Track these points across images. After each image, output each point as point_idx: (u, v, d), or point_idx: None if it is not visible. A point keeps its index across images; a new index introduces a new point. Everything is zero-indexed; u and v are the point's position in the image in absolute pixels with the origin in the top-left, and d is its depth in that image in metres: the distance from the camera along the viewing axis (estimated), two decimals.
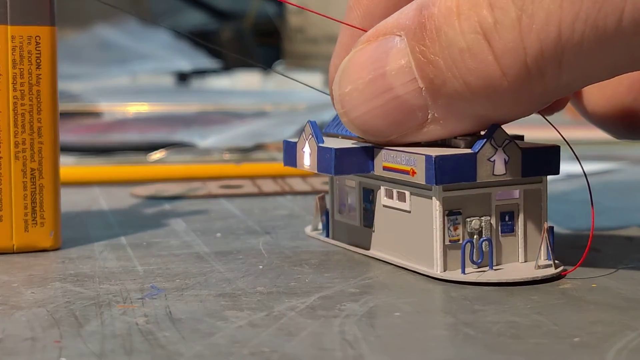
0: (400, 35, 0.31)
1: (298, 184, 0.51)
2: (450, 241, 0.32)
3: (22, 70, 0.35)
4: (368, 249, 0.35)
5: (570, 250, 0.36)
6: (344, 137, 0.35)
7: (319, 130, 0.34)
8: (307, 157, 0.34)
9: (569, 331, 0.26)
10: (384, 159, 0.33)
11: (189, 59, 1.04)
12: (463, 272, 0.31)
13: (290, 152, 0.35)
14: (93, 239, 0.38)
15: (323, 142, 0.34)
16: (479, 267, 0.32)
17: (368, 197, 0.35)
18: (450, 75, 0.29)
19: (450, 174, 0.31)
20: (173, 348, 0.25)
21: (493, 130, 0.31)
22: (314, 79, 0.92)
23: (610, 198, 0.47)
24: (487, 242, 0.32)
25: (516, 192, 0.32)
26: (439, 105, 0.30)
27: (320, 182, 0.51)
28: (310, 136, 0.34)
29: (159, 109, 0.79)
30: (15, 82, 0.35)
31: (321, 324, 0.27)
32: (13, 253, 0.36)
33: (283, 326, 0.27)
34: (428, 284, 0.31)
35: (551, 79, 0.29)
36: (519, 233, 0.33)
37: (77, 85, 0.90)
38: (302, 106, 0.78)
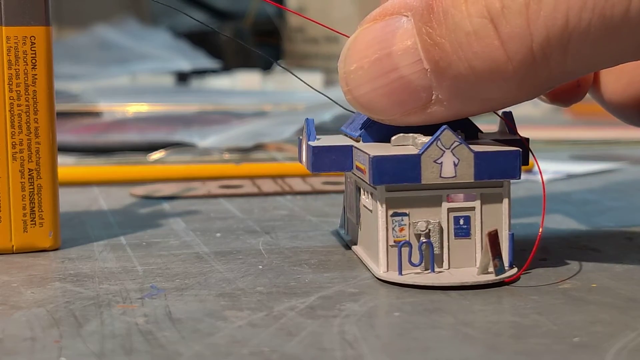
0: (407, 16, 0.31)
1: (298, 184, 0.51)
2: (395, 242, 0.31)
3: (17, 70, 0.35)
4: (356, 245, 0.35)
5: (569, 250, 0.36)
6: (350, 136, 0.35)
7: (313, 128, 0.34)
8: (303, 154, 0.35)
9: (569, 331, 0.26)
10: (355, 157, 0.33)
11: (189, 59, 1.04)
12: (400, 273, 0.31)
13: (299, 149, 0.36)
14: (92, 239, 0.38)
15: (314, 140, 0.34)
16: (424, 270, 0.31)
17: (359, 196, 0.35)
18: (456, 58, 0.30)
19: (391, 175, 0.30)
20: (173, 348, 0.25)
21: (441, 132, 0.31)
22: (314, 78, 0.92)
23: (610, 198, 0.47)
24: (426, 244, 0.31)
25: (471, 196, 0.32)
26: (443, 87, 0.31)
27: (319, 182, 0.51)
28: (305, 134, 0.34)
29: (158, 109, 0.79)
30: (11, 82, 0.35)
31: (321, 324, 0.27)
32: (12, 254, 0.36)
33: (283, 326, 0.27)
34: None
35: (556, 65, 0.29)
36: (476, 237, 0.32)
37: (77, 85, 0.90)
38: (301, 106, 0.78)
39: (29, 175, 0.36)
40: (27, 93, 0.36)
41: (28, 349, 0.25)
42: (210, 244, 0.38)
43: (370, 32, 0.32)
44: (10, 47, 0.35)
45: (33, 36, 0.35)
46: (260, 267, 0.34)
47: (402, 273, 0.31)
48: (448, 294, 0.30)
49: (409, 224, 0.31)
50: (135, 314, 0.28)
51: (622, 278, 0.32)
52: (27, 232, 0.36)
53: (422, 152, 0.31)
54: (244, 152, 0.64)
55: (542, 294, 0.30)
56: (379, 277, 0.31)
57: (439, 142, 0.31)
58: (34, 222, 0.36)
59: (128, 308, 0.29)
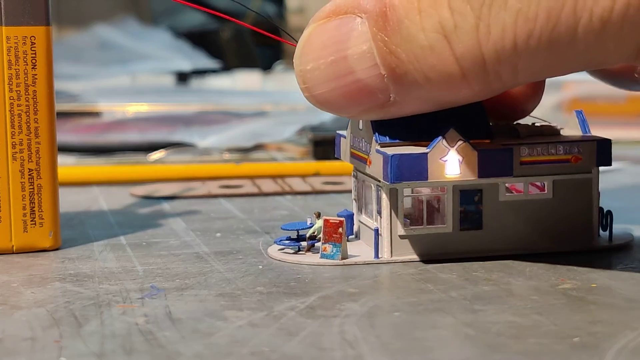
0: (361, 17, 0.31)
1: (298, 184, 0.51)
2: None
3: (17, 70, 0.35)
4: (472, 251, 0.34)
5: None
6: (398, 144, 0.34)
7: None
8: (454, 166, 0.33)
9: (569, 331, 0.26)
10: (522, 154, 0.34)
11: (189, 59, 1.04)
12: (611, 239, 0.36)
13: (416, 166, 0.33)
14: (93, 238, 0.38)
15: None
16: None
17: (472, 198, 0.34)
18: (412, 68, 0.30)
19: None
20: (173, 348, 0.25)
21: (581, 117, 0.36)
22: None
23: (610, 198, 0.47)
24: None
25: None
26: (400, 91, 0.31)
27: (319, 182, 0.51)
28: (460, 142, 0.33)
29: (158, 109, 0.79)
30: (11, 82, 0.35)
31: (321, 324, 0.27)
32: (12, 253, 0.36)
33: (283, 326, 0.27)
34: (427, 284, 0.31)
35: (508, 80, 0.30)
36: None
37: (77, 85, 0.90)
38: (301, 106, 0.78)
39: (29, 175, 0.36)
40: (27, 93, 0.36)
41: (28, 349, 0.25)
42: (210, 244, 0.38)
43: (325, 31, 0.32)
44: (10, 47, 0.35)
45: (33, 36, 0.35)
46: (260, 267, 0.34)
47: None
48: (448, 294, 0.30)
49: None
50: (135, 314, 0.28)
51: (622, 278, 0.32)
52: (27, 232, 0.36)
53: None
54: (244, 152, 0.64)
55: (542, 294, 0.30)
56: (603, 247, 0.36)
57: None
58: (34, 222, 0.36)
59: (128, 308, 0.29)
